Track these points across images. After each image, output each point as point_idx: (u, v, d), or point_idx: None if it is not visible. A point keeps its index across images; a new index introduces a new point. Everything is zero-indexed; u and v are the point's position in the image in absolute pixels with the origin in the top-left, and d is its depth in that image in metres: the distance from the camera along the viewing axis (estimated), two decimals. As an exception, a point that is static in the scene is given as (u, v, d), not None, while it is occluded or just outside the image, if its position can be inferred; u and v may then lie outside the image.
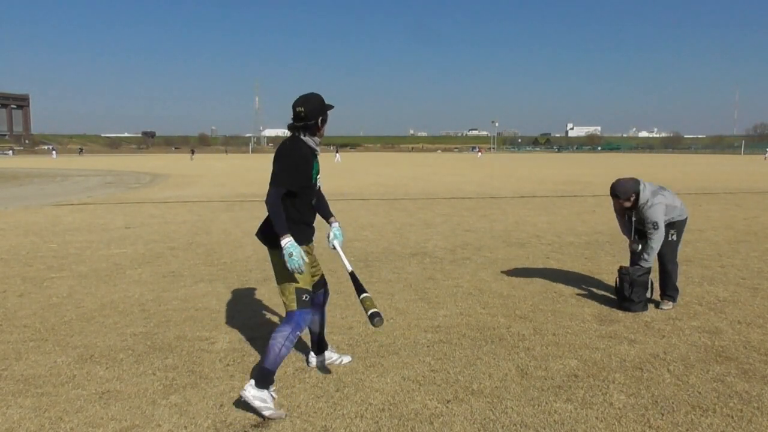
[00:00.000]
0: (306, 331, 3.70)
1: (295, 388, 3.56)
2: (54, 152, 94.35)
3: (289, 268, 3.17)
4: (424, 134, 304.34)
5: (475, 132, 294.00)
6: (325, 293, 3.78)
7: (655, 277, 5.32)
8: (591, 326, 4.69)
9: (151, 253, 7.86)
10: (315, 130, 3.34)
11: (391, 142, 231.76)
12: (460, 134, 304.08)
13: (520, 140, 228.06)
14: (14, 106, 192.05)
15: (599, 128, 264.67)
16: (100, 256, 7.67)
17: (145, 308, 5.24)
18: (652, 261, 5.11)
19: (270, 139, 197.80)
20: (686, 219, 5.28)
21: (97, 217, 11.93)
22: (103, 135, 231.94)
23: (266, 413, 3.14)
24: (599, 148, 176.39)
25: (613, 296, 5.42)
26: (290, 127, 3.35)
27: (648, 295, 5.17)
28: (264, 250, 3.83)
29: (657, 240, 5.02)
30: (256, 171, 34.14)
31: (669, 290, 5.22)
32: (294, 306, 3.31)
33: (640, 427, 3.07)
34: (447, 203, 14.68)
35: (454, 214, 12.14)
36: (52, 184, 24.37)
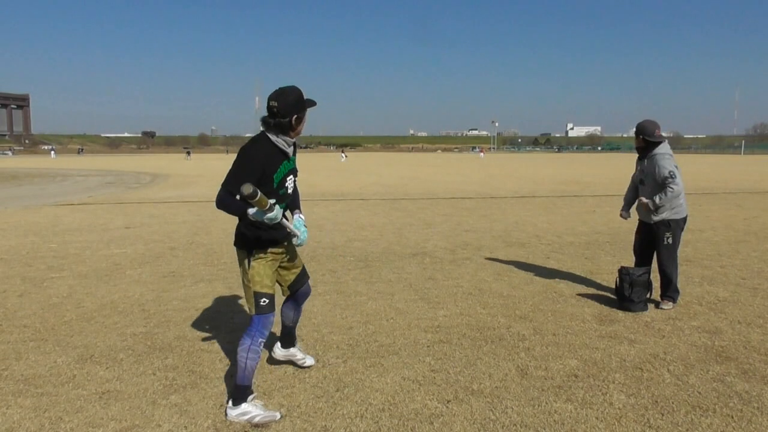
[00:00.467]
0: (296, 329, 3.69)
1: (295, 388, 3.56)
2: (53, 152, 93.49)
3: (296, 231, 3.17)
4: (424, 134, 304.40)
5: (475, 132, 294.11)
6: (305, 293, 3.68)
7: (654, 277, 5.32)
8: (591, 326, 4.69)
9: (151, 253, 7.86)
10: (288, 128, 3.12)
11: (391, 142, 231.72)
12: (460, 134, 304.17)
13: (520, 140, 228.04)
14: (14, 106, 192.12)
15: (599, 128, 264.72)
16: (100, 256, 7.67)
17: (145, 308, 5.24)
18: (662, 203, 5.03)
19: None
20: (686, 217, 5.27)
21: (97, 217, 11.92)
22: (103, 135, 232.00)
23: (256, 420, 3.11)
24: (599, 148, 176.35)
25: (613, 296, 5.42)
26: (263, 122, 3.14)
27: (648, 295, 5.17)
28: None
29: (674, 186, 4.96)
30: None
31: (669, 291, 5.22)
32: (254, 311, 3.26)
33: (640, 427, 3.07)
34: (447, 203, 14.67)
35: (454, 214, 12.14)
36: (52, 184, 24.36)
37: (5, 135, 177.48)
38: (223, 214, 3.28)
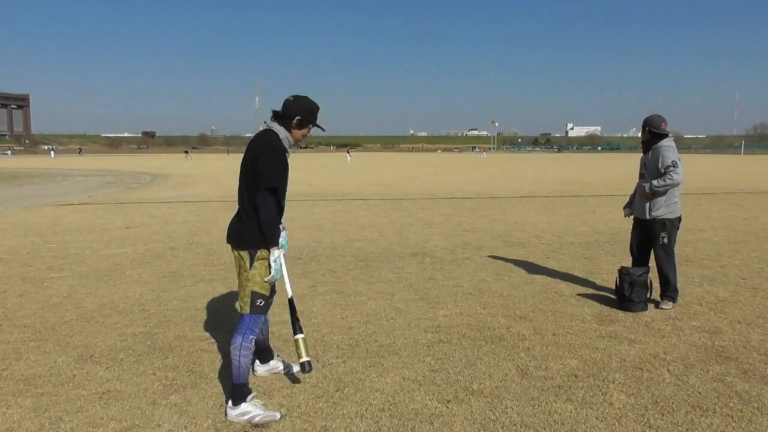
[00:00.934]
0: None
1: (295, 388, 3.56)
2: (52, 152, 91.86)
3: (269, 277, 3.19)
4: (424, 134, 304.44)
5: (475, 132, 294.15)
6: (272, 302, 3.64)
7: (653, 276, 5.32)
8: (591, 326, 4.69)
9: (151, 253, 7.86)
10: (289, 126, 3.24)
11: (391, 142, 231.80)
12: (460, 134, 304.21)
13: (520, 140, 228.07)
14: (14, 106, 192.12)
15: (599, 128, 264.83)
16: (100, 256, 7.67)
17: (145, 308, 5.24)
18: (662, 187, 5.04)
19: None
20: (680, 217, 5.27)
21: (97, 217, 11.92)
22: (103, 135, 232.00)
23: (256, 420, 3.11)
24: (599, 148, 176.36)
25: (613, 296, 5.42)
26: (273, 111, 3.28)
27: (648, 295, 5.17)
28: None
29: (674, 175, 5.00)
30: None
31: (669, 291, 5.22)
32: (247, 309, 3.26)
33: (640, 427, 3.07)
34: (447, 203, 14.67)
35: (454, 214, 12.14)
36: (52, 184, 24.36)
37: (5, 135, 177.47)
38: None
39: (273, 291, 3.55)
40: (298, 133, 3.29)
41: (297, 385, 3.61)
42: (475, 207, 13.67)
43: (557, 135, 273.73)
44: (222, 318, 4.96)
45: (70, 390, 3.52)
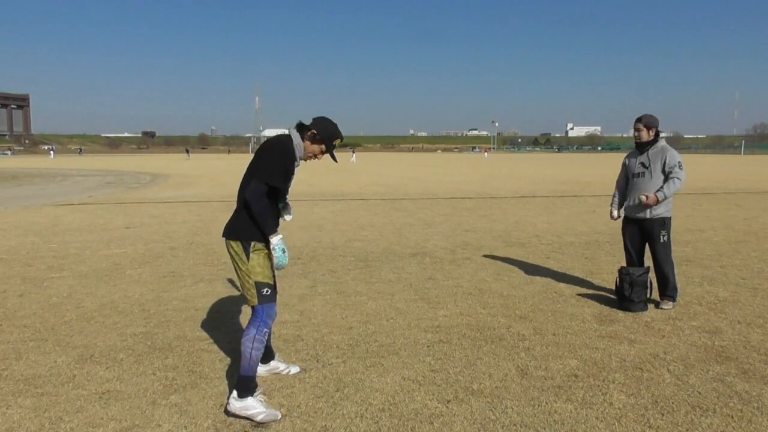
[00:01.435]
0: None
1: (295, 388, 3.56)
2: (52, 152, 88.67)
3: (278, 265, 3.20)
4: (424, 134, 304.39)
5: (475, 132, 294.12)
6: None
7: (652, 276, 5.32)
8: (591, 326, 4.69)
9: (151, 253, 7.86)
10: (304, 136, 3.32)
11: (391, 142, 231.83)
12: (460, 134, 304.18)
13: (520, 140, 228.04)
14: (14, 106, 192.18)
15: (599, 128, 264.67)
16: (100, 256, 7.67)
17: (145, 308, 5.24)
18: (669, 195, 5.04)
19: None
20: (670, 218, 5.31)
21: (97, 217, 11.93)
22: (103, 135, 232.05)
23: (259, 418, 3.11)
24: (599, 148, 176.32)
25: (613, 296, 5.42)
26: (299, 122, 3.37)
27: (648, 294, 5.17)
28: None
29: (682, 176, 5.05)
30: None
31: (668, 290, 5.22)
32: (255, 301, 3.26)
33: (640, 427, 3.07)
34: (447, 203, 14.68)
35: (454, 214, 12.14)
36: (52, 184, 24.36)
37: (5, 135, 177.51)
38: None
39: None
40: (310, 147, 3.34)
41: (297, 385, 3.61)
42: (475, 207, 13.67)
43: (557, 135, 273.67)
44: (222, 318, 4.96)
45: (70, 390, 3.52)
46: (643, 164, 5.21)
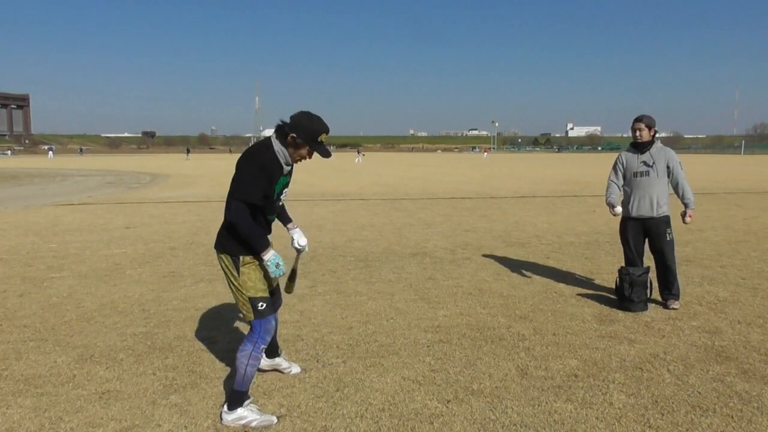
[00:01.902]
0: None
1: (295, 388, 3.55)
2: (51, 152, 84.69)
3: (273, 276, 3.14)
4: (424, 134, 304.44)
5: (475, 132, 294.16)
6: (278, 304, 3.59)
7: (653, 276, 5.32)
8: (591, 326, 4.69)
9: (151, 253, 7.86)
10: (284, 142, 3.07)
11: (391, 142, 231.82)
12: (460, 134, 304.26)
13: (520, 140, 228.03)
14: (14, 106, 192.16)
15: (599, 128, 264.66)
16: (100, 256, 7.67)
17: (145, 308, 5.24)
18: (692, 195, 5.24)
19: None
20: None
21: (97, 217, 11.92)
22: (103, 135, 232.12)
23: (253, 425, 3.08)
24: (599, 148, 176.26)
25: (613, 296, 5.42)
26: (276, 125, 3.12)
27: (648, 294, 5.16)
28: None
29: (685, 178, 5.22)
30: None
31: (674, 289, 5.21)
32: (251, 316, 3.17)
33: (640, 427, 3.07)
34: (447, 203, 14.67)
35: (454, 214, 12.14)
36: (52, 184, 24.36)
37: (5, 135, 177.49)
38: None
39: (276, 291, 3.56)
40: (294, 152, 3.09)
41: (297, 385, 3.61)
42: (475, 207, 13.67)
43: (557, 135, 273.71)
44: (222, 318, 4.96)
45: (70, 390, 3.52)
46: (645, 163, 5.20)
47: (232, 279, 3.16)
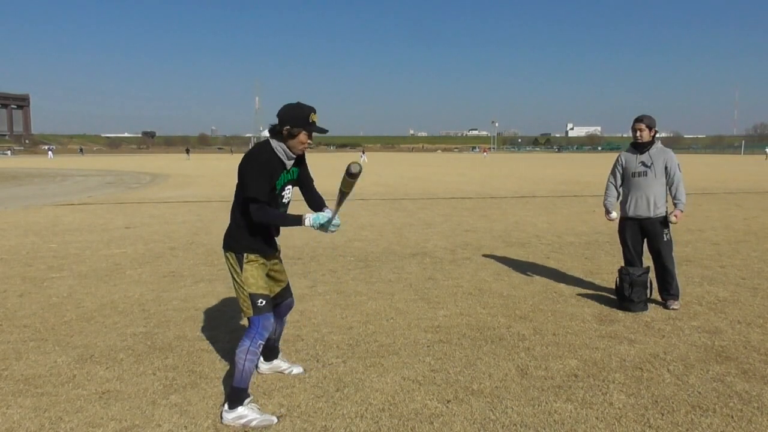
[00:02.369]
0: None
1: (295, 388, 3.56)
2: (50, 152, 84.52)
3: (332, 231, 3.24)
4: (424, 134, 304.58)
5: (475, 132, 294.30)
6: (288, 305, 3.66)
7: (652, 276, 5.32)
8: (591, 326, 4.69)
9: (151, 253, 7.86)
10: (280, 138, 3.16)
11: (391, 142, 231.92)
12: (460, 134, 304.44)
13: (520, 140, 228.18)
14: (14, 106, 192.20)
15: (599, 128, 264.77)
16: (100, 256, 7.67)
17: (145, 308, 5.24)
18: (684, 199, 5.20)
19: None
20: None
21: (97, 217, 11.92)
22: (103, 135, 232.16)
23: (253, 424, 3.09)
24: (599, 148, 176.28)
25: (613, 296, 5.42)
26: (270, 126, 3.24)
27: (648, 294, 5.16)
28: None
29: (682, 180, 5.21)
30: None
31: (673, 289, 5.22)
32: (251, 312, 3.22)
33: (640, 427, 3.07)
34: (447, 203, 14.67)
35: (454, 214, 12.14)
36: (52, 184, 24.36)
37: (5, 135, 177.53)
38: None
39: (286, 290, 3.57)
40: (294, 142, 3.17)
41: (297, 385, 3.61)
42: (475, 207, 13.67)
43: (557, 135, 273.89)
44: (222, 318, 4.96)
45: (70, 390, 3.52)
46: (644, 163, 5.21)
47: (235, 275, 3.25)
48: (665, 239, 5.18)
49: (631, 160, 5.31)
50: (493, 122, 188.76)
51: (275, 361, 3.79)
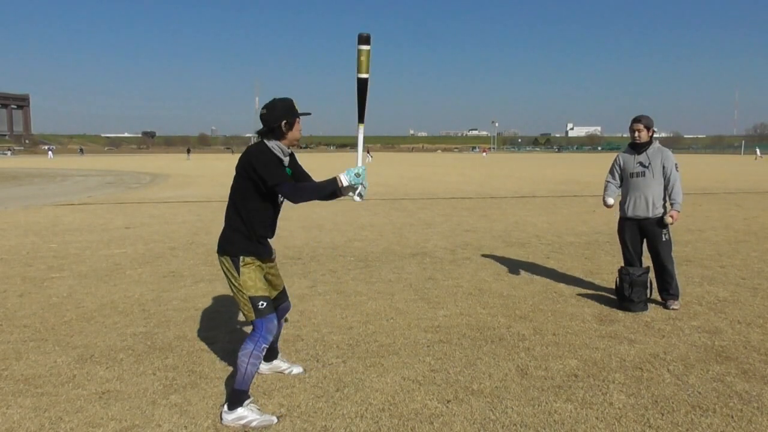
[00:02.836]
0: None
1: (295, 388, 3.56)
2: (50, 152, 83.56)
3: (366, 185, 3.25)
4: (424, 134, 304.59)
5: (475, 132, 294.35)
6: (285, 308, 3.65)
7: (652, 276, 5.32)
8: (591, 326, 4.69)
9: (151, 253, 7.86)
10: (279, 134, 3.19)
11: (391, 142, 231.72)
12: (460, 134, 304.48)
13: (520, 140, 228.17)
14: (14, 106, 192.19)
15: (599, 128, 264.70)
16: (100, 256, 7.67)
17: (145, 308, 5.24)
18: (681, 199, 5.18)
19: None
20: None
21: (97, 217, 11.92)
22: (103, 135, 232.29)
23: (253, 425, 3.08)
24: (599, 148, 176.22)
25: (613, 296, 5.42)
26: (257, 133, 3.27)
27: (648, 294, 5.16)
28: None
29: (679, 178, 5.18)
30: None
31: (672, 290, 5.22)
32: (253, 316, 3.21)
33: (640, 427, 3.07)
34: (447, 203, 14.68)
35: (454, 214, 12.14)
36: (52, 184, 24.36)
37: (5, 135, 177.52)
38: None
39: (282, 294, 3.57)
40: (293, 132, 3.24)
41: (297, 385, 3.61)
42: (475, 207, 13.68)
43: (557, 135, 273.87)
44: (222, 318, 4.96)
45: (70, 390, 3.52)
46: (641, 164, 5.21)
47: (233, 280, 3.22)
48: (664, 239, 5.18)
49: (629, 161, 5.32)
50: (493, 122, 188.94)
51: (275, 362, 3.79)
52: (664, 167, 5.15)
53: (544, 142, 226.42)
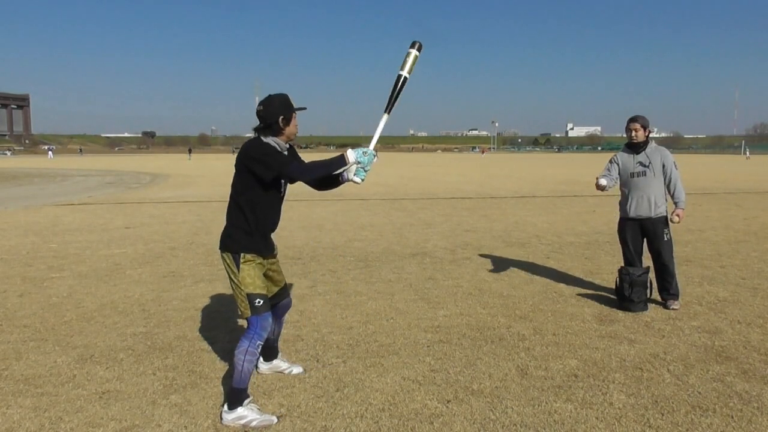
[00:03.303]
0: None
1: (295, 388, 3.56)
2: (50, 152, 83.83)
3: (372, 162, 3.19)
4: (424, 134, 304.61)
5: (475, 132, 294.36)
6: (286, 305, 3.66)
7: (652, 276, 5.32)
8: (591, 326, 4.69)
9: (151, 253, 7.86)
10: (277, 130, 3.22)
11: (391, 142, 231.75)
12: (460, 134, 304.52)
13: (520, 140, 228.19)
14: (14, 106, 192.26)
15: (599, 128, 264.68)
16: (100, 256, 7.67)
17: (145, 308, 5.24)
18: (684, 197, 5.19)
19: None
20: None
21: (97, 217, 11.93)
22: (103, 135, 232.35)
23: (253, 424, 3.09)
24: (599, 148, 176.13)
25: (613, 296, 5.41)
26: (254, 129, 3.28)
27: (648, 294, 5.16)
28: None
29: (680, 178, 5.21)
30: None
31: (673, 289, 5.21)
32: (248, 312, 3.22)
33: (640, 427, 3.07)
34: (447, 203, 14.68)
35: (454, 214, 12.14)
36: (52, 184, 24.36)
37: (5, 135, 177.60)
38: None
39: (283, 290, 3.57)
40: (290, 127, 3.26)
41: (297, 385, 3.61)
42: (475, 207, 13.68)
43: (557, 135, 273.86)
44: (222, 318, 4.96)
45: (70, 390, 3.52)
46: (641, 163, 5.21)
47: (233, 276, 3.24)
48: (665, 239, 5.18)
49: (627, 161, 5.32)
50: (493, 122, 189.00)
51: (275, 361, 3.79)
52: (664, 166, 5.16)
53: (544, 142, 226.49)
